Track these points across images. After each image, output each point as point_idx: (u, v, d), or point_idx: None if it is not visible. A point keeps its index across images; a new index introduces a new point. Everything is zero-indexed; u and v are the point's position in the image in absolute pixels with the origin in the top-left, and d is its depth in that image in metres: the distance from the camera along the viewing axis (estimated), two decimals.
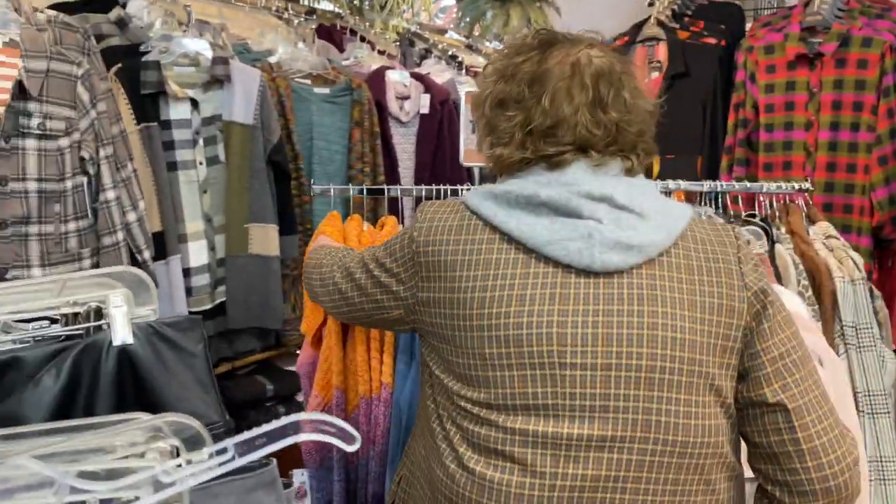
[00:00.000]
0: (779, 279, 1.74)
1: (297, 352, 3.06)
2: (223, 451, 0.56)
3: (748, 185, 2.03)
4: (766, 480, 1.10)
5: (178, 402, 0.78)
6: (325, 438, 0.60)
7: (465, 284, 1.09)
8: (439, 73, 3.68)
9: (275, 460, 0.63)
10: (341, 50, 3.48)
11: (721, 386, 1.05)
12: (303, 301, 2.83)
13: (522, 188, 1.11)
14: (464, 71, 3.92)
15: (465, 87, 3.33)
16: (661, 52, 2.96)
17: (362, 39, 3.62)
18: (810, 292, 1.77)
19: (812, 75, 2.63)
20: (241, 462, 0.56)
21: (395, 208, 2.12)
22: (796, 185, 2.02)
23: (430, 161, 3.30)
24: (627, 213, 1.07)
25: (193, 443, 0.59)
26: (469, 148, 1.99)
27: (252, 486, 0.65)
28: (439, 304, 1.13)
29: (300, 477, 1.68)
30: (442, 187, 1.83)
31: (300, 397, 2.70)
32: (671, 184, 2.00)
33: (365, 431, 1.65)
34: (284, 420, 0.59)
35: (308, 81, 2.82)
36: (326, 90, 2.84)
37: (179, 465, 0.55)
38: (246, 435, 0.56)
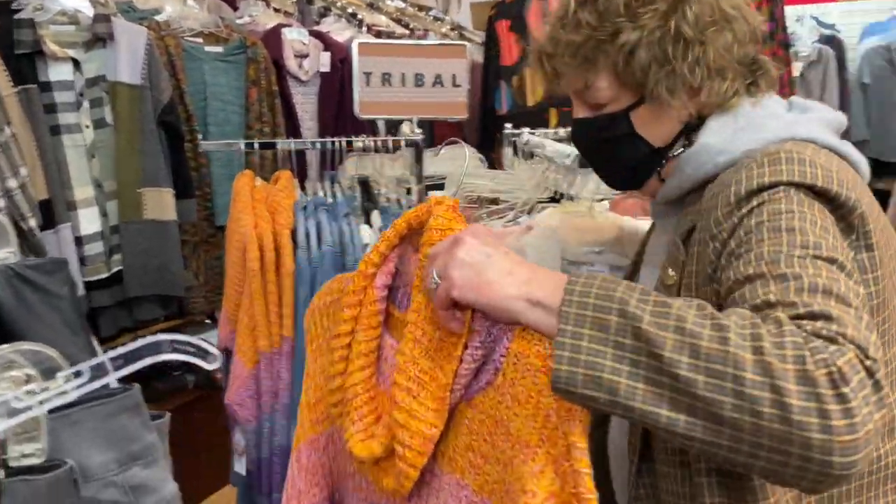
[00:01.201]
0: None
1: (206, 321, 3.01)
2: (78, 374, 0.56)
3: None
4: None
5: (46, 344, 0.76)
6: (183, 358, 0.61)
7: (879, 238, 0.88)
8: (340, 32, 3.62)
9: (137, 385, 0.63)
10: (234, 8, 3.38)
11: None
12: (205, 267, 2.80)
13: (818, 119, 0.97)
14: (365, 29, 3.87)
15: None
16: (555, 3, 3.01)
17: None
18: None
19: None
20: (97, 384, 0.56)
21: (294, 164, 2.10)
22: None
23: (332, 120, 3.27)
24: None
25: (52, 372, 0.58)
26: (365, 100, 1.98)
27: (114, 410, 0.64)
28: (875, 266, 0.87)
29: (239, 436, 1.70)
30: (337, 140, 1.83)
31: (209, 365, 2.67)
32: (562, 131, 2.07)
33: (269, 386, 1.65)
34: (142, 341, 0.59)
35: (199, 40, 2.73)
36: (219, 49, 2.77)
37: (32, 392, 0.54)
38: (101, 357, 0.57)
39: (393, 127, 2.65)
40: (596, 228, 1.43)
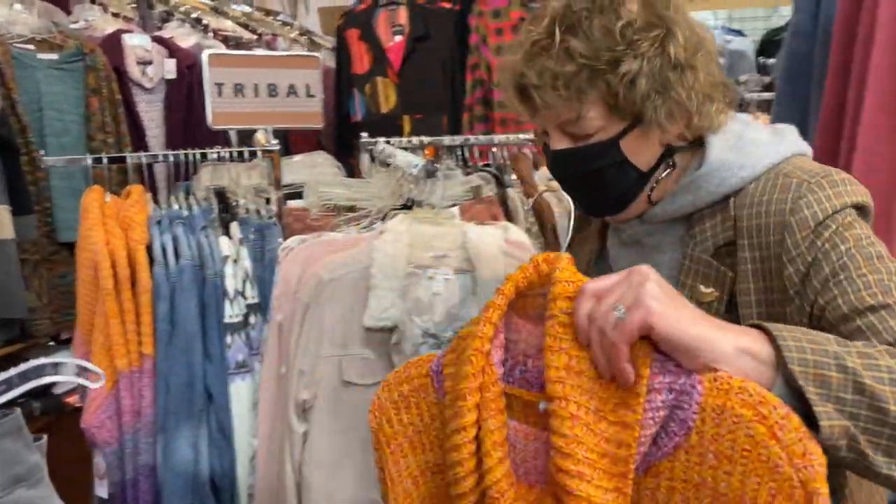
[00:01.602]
0: (509, 218, 1.97)
1: (51, 343, 2.84)
2: None
3: (482, 138, 2.25)
4: None
5: None
6: (68, 380, 0.63)
7: None
8: (184, 37, 3.53)
9: (18, 409, 0.64)
10: (68, 12, 3.20)
11: None
12: (48, 286, 2.64)
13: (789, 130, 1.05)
14: (211, 34, 3.78)
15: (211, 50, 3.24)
16: (402, 15, 3.12)
17: (92, 1, 3.35)
18: (536, 228, 2.03)
19: None
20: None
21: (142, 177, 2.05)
22: (522, 137, 2.27)
23: (180, 128, 3.19)
24: None
25: None
26: (217, 110, 1.98)
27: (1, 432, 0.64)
28: None
29: (99, 459, 1.63)
30: (191, 151, 1.81)
31: (58, 389, 2.54)
32: (425, 139, 2.17)
33: (129, 405, 1.62)
34: (24, 366, 0.60)
35: (31, 47, 2.58)
36: (54, 56, 2.63)
37: None
38: None
39: (247, 136, 2.63)
40: (441, 234, 1.52)
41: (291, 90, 2.06)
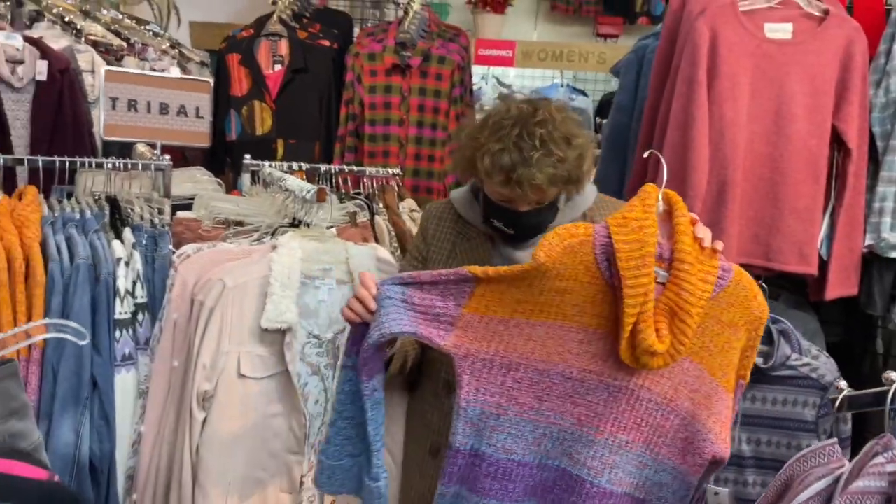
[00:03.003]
0: (377, 241, 2.25)
1: None
2: None
3: (355, 168, 2.53)
4: None
5: None
6: (60, 336, 0.81)
7: None
8: (55, 39, 3.51)
9: (15, 359, 0.80)
10: None
11: None
12: None
13: None
14: (83, 39, 3.78)
15: (88, 60, 3.30)
16: (284, 47, 3.34)
17: None
18: (399, 252, 2.32)
19: (404, 82, 3.26)
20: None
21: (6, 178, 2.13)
22: (391, 171, 2.57)
23: (49, 130, 3.18)
24: None
25: None
26: (110, 123, 2.11)
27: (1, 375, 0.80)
28: None
29: None
30: (59, 159, 1.93)
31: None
32: (295, 165, 2.40)
33: None
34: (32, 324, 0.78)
35: None
36: None
37: None
38: None
39: (124, 146, 2.72)
40: (327, 250, 1.77)
41: (182, 110, 2.23)
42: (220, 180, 2.62)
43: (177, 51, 4.76)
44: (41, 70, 3.17)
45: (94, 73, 3.37)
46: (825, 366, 1.86)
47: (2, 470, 0.64)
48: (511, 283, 1.29)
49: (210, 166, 3.17)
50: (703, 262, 1.26)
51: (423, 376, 1.69)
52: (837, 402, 0.97)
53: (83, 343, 0.85)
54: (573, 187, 1.53)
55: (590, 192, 1.64)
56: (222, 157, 3.36)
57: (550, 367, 1.31)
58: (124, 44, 4.24)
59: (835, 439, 1.00)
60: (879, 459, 0.92)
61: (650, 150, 1.45)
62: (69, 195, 2.10)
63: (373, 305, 1.31)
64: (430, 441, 1.65)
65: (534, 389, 1.32)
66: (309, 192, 1.77)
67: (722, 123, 1.90)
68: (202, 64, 4.93)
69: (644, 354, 1.24)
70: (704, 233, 1.26)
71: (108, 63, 3.41)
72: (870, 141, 2.08)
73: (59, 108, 3.21)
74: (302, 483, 1.73)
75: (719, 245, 1.27)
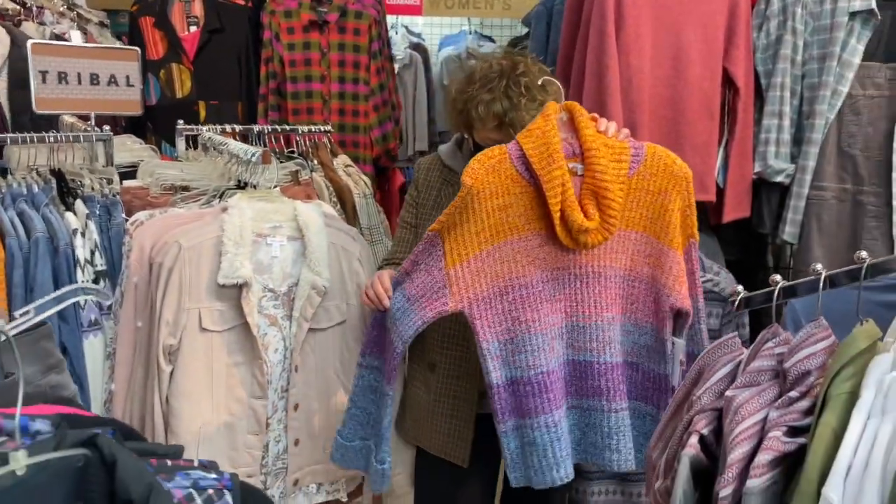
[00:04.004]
0: (319, 197, 2.37)
1: None
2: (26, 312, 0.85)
3: (287, 127, 2.61)
4: None
5: None
6: (92, 298, 0.92)
7: None
8: None
9: (48, 323, 0.90)
10: None
11: None
12: None
13: None
14: None
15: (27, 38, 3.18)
16: (197, 8, 3.32)
17: None
18: (339, 206, 2.45)
19: (322, 38, 3.31)
20: (37, 320, 0.86)
21: None
22: (322, 128, 2.67)
23: None
24: None
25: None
26: (41, 96, 2.12)
27: (38, 337, 0.90)
28: None
29: None
30: (29, 135, 1.96)
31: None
32: (228, 127, 2.47)
33: None
34: (60, 291, 0.89)
35: None
36: None
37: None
38: (35, 304, 0.85)
39: (46, 119, 2.69)
40: (275, 209, 1.89)
41: (112, 80, 2.26)
42: (154, 147, 2.65)
43: (74, 12, 4.60)
44: None
45: None
46: (725, 280, 2.14)
47: (58, 412, 0.77)
48: (462, 220, 1.49)
49: (133, 132, 3.17)
50: (612, 147, 1.49)
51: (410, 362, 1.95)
52: (736, 302, 1.20)
53: (108, 303, 0.96)
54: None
55: None
56: (143, 123, 3.34)
57: (529, 278, 1.54)
58: (18, 6, 4.08)
59: (735, 333, 1.23)
60: (769, 344, 1.16)
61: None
62: (3, 171, 2.12)
63: (386, 303, 1.60)
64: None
65: (526, 303, 1.54)
66: (254, 154, 1.86)
67: (629, 71, 2.11)
68: (101, 25, 4.77)
69: (580, 234, 1.49)
70: (607, 125, 1.52)
71: (6, 30, 3.31)
72: (755, 79, 2.35)
73: None
74: (268, 425, 1.88)
75: (625, 132, 1.52)
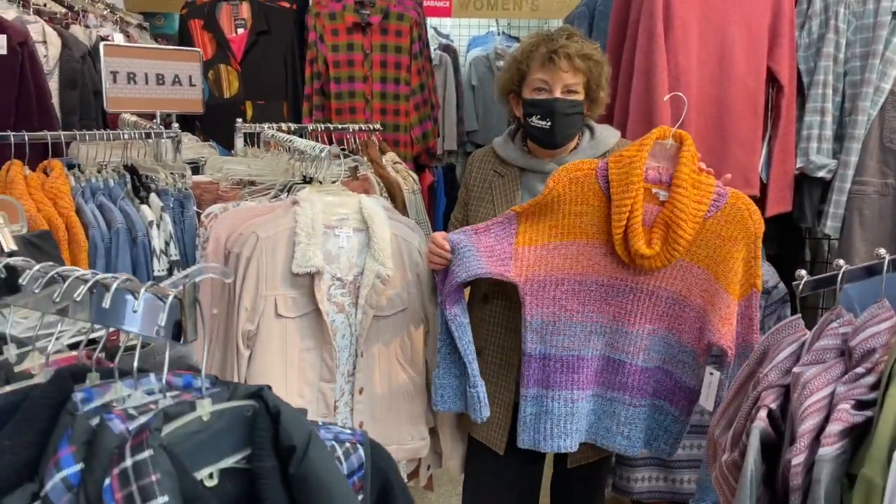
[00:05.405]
0: (367, 192, 2.46)
1: None
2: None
3: (339, 126, 2.70)
4: None
5: None
6: (216, 277, 1.00)
7: None
8: (3, 10, 3.49)
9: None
10: None
11: None
12: None
13: None
14: (30, 10, 3.75)
15: (39, 31, 3.31)
16: (245, 10, 3.43)
17: None
18: (389, 202, 2.54)
19: (365, 40, 3.41)
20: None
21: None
22: (371, 127, 2.76)
23: (12, 104, 3.21)
24: None
25: None
26: (112, 96, 2.23)
27: None
28: None
29: None
30: (101, 132, 2.06)
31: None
32: (293, 126, 2.56)
33: None
34: (188, 270, 0.97)
35: None
36: None
37: None
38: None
39: (94, 118, 2.81)
40: (342, 202, 1.98)
41: (176, 79, 2.36)
42: (213, 144, 2.75)
43: (117, 16, 4.74)
44: (1, 44, 3.17)
45: (46, 44, 3.41)
46: (767, 273, 2.21)
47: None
48: (540, 213, 1.63)
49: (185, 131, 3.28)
50: (699, 188, 1.57)
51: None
52: (801, 285, 1.27)
53: (228, 281, 1.04)
54: (594, 100, 1.84)
55: (611, 135, 1.93)
56: (192, 121, 3.45)
57: (586, 278, 1.68)
58: (64, 10, 4.21)
59: (798, 315, 1.30)
60: (834, 325, 1.22)
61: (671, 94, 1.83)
62: (71, 166, 2.22)
63: (449, 253, 1.69)
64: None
65: (577, 297, 1.69)
66: (322, 150, 1.95)
67: (677, 70, 2.18)
68: (140, 27, 4.91)
69: (636, 257, 1.62)
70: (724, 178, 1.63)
71: (57, 32, 3.44)
72: (797, 77, 2.41)
73: (21, 80, 3.23)
74: (336, 407, 1.97)
75: (727, 177, 1.64)
